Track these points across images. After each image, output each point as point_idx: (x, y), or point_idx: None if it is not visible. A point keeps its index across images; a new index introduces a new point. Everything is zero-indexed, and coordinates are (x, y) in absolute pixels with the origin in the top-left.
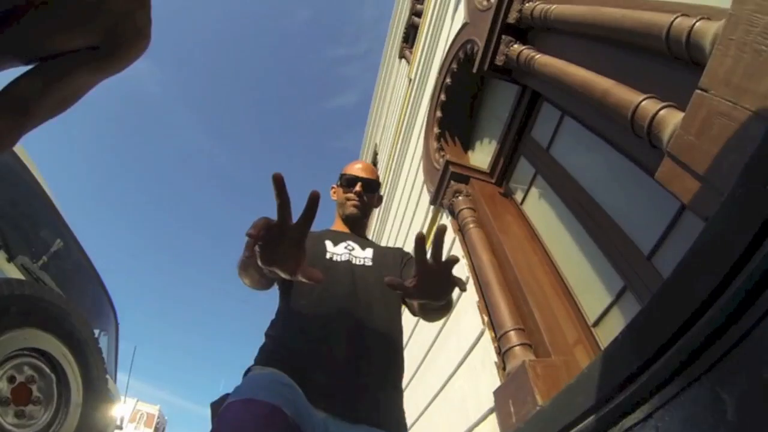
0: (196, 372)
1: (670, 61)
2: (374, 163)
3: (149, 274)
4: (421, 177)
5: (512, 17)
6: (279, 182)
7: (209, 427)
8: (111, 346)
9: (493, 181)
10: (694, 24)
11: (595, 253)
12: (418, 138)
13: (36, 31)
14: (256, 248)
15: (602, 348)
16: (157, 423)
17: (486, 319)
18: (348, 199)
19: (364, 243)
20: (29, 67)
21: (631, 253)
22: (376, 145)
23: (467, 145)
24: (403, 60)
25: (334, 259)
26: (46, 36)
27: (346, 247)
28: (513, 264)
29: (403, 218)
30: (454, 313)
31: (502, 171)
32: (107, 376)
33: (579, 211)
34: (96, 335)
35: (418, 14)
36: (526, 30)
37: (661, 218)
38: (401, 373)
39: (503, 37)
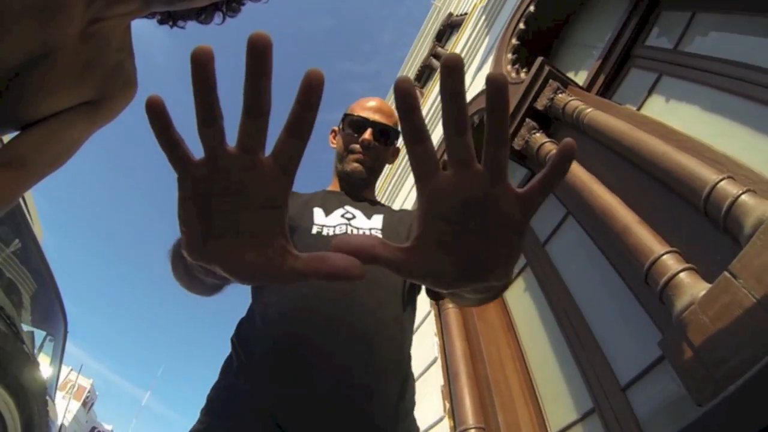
0: (139, 353)
1: (702, 217)
2: None
3: (114, 243)
4: None
5: (541, 103)
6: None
7: (138, 409)
8: (57, 352)
9: None
10: (739, 196)
11: (570, 366)
12: (409, 192)
13: (23, 102)
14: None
15: None
16: (87, 397)
17: (448, 406)
18: (351, 151)
19: (370, 209)
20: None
21: (607, 378)
22: None
23: None
24: None
25: (324, 233)
26: (36, 103)
27: (343, 215)
28: (485, 357)
29: None
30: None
31: None
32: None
33: (563, 320)
34: (43, 339)
35: (438, 57)
36: (551, 119)
37: (646, 355)
38: (413, 406)
39: (527, 120)
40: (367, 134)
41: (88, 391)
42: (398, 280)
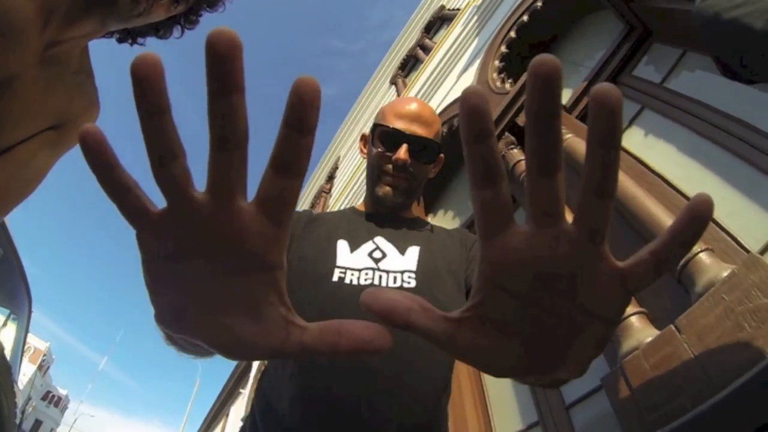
0: (99, 317)
1: None
2: (331, 176)
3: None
4: None
5: (522, 119)
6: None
7: (95, 375)
8: (21, 332)
9: None
10: (697, 254)
11: None
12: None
13: None
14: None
15: None
16: (43, 361)
17: None
18: (384, 172)
19: (405, 238)
20: None
21: (554, 395)
22: (339, 158)
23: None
24: (393, 87)
25: (347, 280)
26: (0, 136)
27: (371, 253)
28: None
29: None
30: None
31: None
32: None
33: None
34: (6, 316)
35: (425, 48)
36: None
37: (591, 382)
38: None
39: (506, 134)
40: (402, 152)
41: (45, 355)
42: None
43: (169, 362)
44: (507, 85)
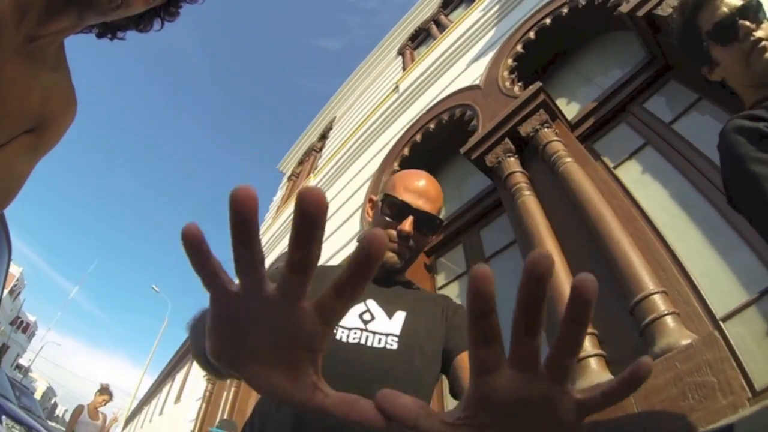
0: (73, 243)
1: (627, 314)
2: (324, 135)
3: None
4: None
5: (525, 129)
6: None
7: (65, 303)
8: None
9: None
10: (664, 315)
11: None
12: (376, 153)
13: None
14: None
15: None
16: (15, 286)
17: None
18: (388, 239)
19: (394, 301)
20: None
21: None
22: (334, 118)
23: None
24: (400, 58)
25: (338, 336)
26: None
27: (362, 315)
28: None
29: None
30: None
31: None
32: None
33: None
34: None
35: (439, 24)
36: (529, 148)
37: None
38: None
39: (506, 140)
40: (408, 224)
41: (17, 279)
42: (432, 378)
43: (139, 298)
44: (516, 89)
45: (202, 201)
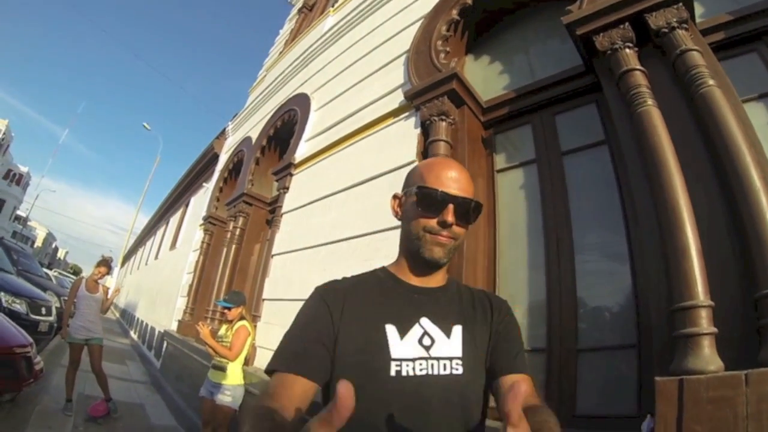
0: (59, 86)
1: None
2: None
3: None
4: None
5: (656, 21)
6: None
7: (56, 148)
8: None
9: (483, 119)
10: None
11: None
12: None
13: None
14: None
15: None
16: (2, 140)
17: None
18: (430, 232)
19: (447, 313)
20: None
21: None
22: None
23: (474, 51)
24: None
25: (404, 373)
26: None
27: (421, 339)
28: None
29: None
30: None
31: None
32: None
33: None
34: None
35: None
36: (655, 45)
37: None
38: None
39: (626, 24)
40: (449, 214)
41: (3, 133)
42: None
43: (131, 137)
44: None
45: (196, 30)
